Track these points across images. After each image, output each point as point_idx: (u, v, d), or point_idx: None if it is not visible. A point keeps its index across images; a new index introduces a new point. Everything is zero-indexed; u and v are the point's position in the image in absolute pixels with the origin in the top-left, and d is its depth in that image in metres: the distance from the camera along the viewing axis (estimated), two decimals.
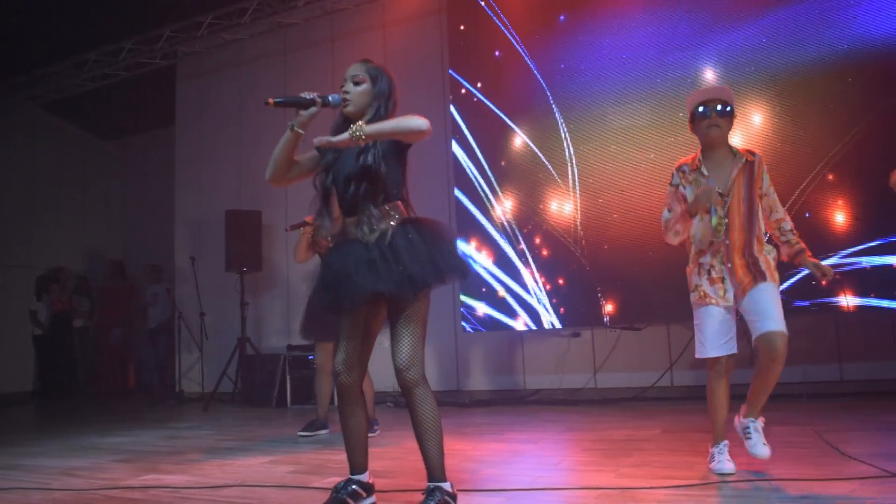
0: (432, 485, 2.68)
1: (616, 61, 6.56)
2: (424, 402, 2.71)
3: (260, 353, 8.41)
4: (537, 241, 6.86)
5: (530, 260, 6.87)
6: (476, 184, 7.20)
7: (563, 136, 6.77)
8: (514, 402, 7.03)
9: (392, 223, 2.74)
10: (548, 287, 6.78)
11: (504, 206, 7.05)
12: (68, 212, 11.77)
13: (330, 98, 2.78)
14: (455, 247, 2.91)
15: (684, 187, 3.45)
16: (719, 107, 3.32)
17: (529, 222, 6.92)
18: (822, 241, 5.54)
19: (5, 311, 10.55)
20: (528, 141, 6.96)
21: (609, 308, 6.52)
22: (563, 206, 6.76)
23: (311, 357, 7.42)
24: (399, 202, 2.80)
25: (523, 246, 6.91)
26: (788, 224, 3.41)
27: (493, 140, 7.17)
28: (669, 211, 3.55)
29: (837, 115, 5.66)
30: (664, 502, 2.83)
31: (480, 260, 7.11)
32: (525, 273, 6.89)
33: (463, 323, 7.23)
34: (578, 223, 6.66)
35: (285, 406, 7.78)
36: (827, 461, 3.37)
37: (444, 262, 2.70)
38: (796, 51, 5.81)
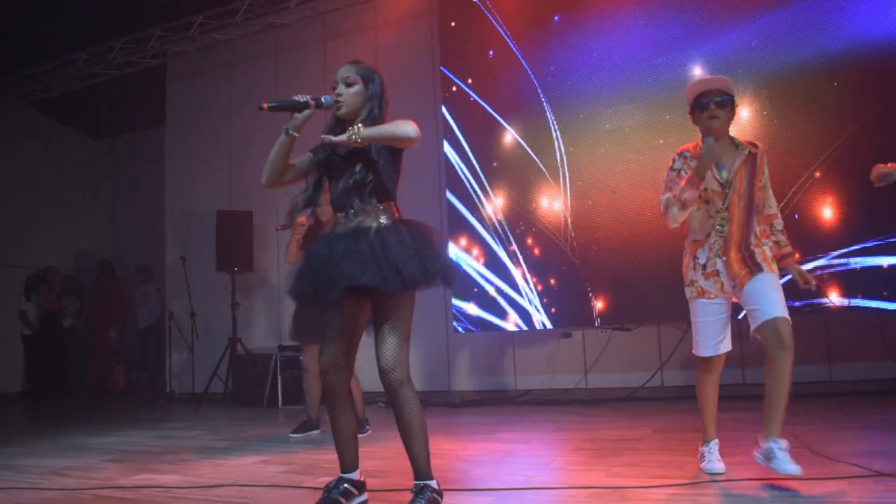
0: (420, 483, 2.72)
1: (608, 62, 6.59)
2: (410, 402, 2.71)
3: (251, 353, 8.39)
4: (529, 241, 6.88)
5: (521, 260, 6.89)
6: (467, 184, 7.22)
7: (554, 136, 6.79)
8: (504, 403, 7.04)
9: (383, 221, 2.75)
10: (539, 287, 6.80)
11: (495, 207, 7.07)
12: (58, 211, 11.70)
13: (323, 100, 2.80)
14: (445, 252, 2.92)
15: (686, 172, 3.31)
16: (718, 97, 3.24)
17: (521, 223, 6.94)
18: (812, 243, 5.59)
19: None
20: (518, 139, 6.98)
21: (600, 307, 6.55)
22: (554, 207, 6.78)
23: (301, 357, 7.41)
24: (392, 203, 2.82)
25: (514, 247, 6.93)
26: (780, 223, 3.36)
27: (484, 140, 7.18)
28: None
29: (828, 118, 5.70)
30: (655, 502, 2.85)
31: (472, 260, 7.12)
32: (516, 273, 6.91)
33: (454, 323, 7.24)
34: (569, 224, 6.69)
35: (276, 406, 7.78)
36: (817, 460, 3.38)
37: (433, 264, 2.71)
38: (787, 53, 5.85)
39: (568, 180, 6.73)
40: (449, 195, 7.33)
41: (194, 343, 8.96)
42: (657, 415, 5.54)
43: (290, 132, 2.79)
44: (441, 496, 2.74)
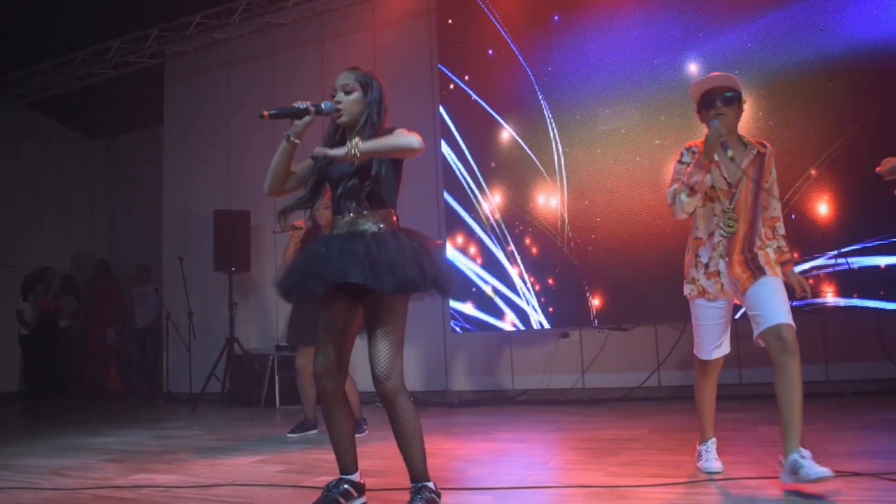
0: (418, 483, 2.72)
1: (607, 62, 6.60)
2: (406, 411, 2.69)
3: (248, 353, 8.39)
4: (526, 241, 6.89)
5: (519, 260, 6.90)
6: (465, 184, 7.22)
7: (552, 136, 6.80)
8: (502, 403, 7.05)
9: (382, 227, 2.75)
10: (537, 287, 6.80)
11: (493, 207, 7.07)
12: (55, 211, 11.70)
13: (322, 106, 2.80)
14: (443, 261, 2.88)
15: None
16: (728, 93, 3.16)
17: (518, 223, 6.95)
18: (810, 242, 5.60)
19: None
20: (516, 137, 6.98)
21: (597, 306, 6.56)
22: (551, 207, 6.79)
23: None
24: (391, 210, 2.83)
25: (512, 247, 6.94)
26: (782, 227, 3.30)
27: (482, 140, 7.19)
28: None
29: (826, 118, 5.72)
30: (652, 500, 2.85)
31: (469, 261, 7.13)
32: (514, 273, 6.92)
33: (452, 323, 7.24)
34: (567, 224, 6.69)
35: (274, 406, 7.78)
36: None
37: (430, 270, 2.68)
38: (784, 54, 5.87)
39: (565, 180, 6.74)
40: (446, 195, 7.33)
41: (192, 343, 8.95)
42: (654, 414, 5.55)
43: (292, 139, 2.79)
44: (439, 496, 2.74)
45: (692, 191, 3.09)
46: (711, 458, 3.32)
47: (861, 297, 5.53)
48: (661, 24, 6.39)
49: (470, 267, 7.11)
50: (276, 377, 7.88)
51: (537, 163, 6.86)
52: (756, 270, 3.09)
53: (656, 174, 6.32)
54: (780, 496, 2.80)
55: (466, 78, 7.32)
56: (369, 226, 2.75)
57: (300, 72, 8.84)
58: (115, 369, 11.17)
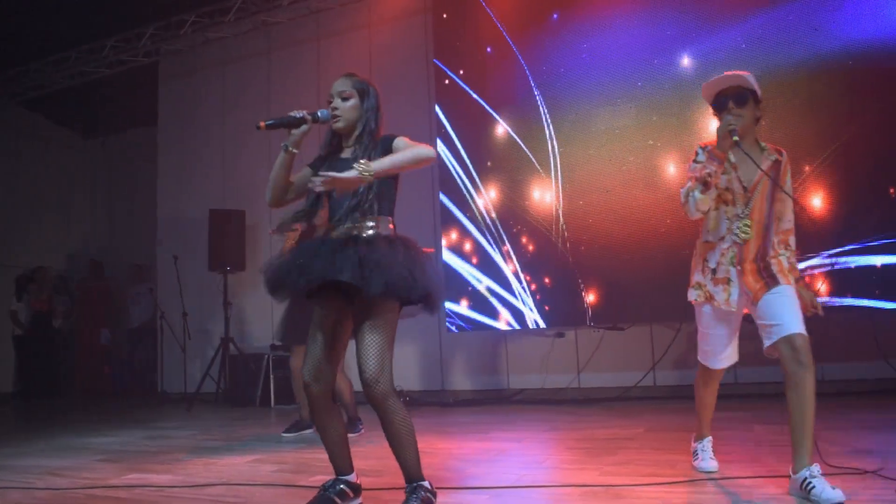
0: (413, 483, 2.71)
1: (604, 62, 6.60)
2: (396, 413, 2.67)
3: (243, 352, 8.37)
4: (523, 240, 6.88)
5: (515, 260, 6.89)
6: (460, 183, 7.21)
7: (547, 134, 6.80)
8: (498, 402, 7.05)
9: (377, 232, 2.74)
10: (532, 286, 6.80)
11: (488, 206, 7.07)
12: (49, 210, 11.66)
13: (319, 114, 2.79)
14: (436, 274, 2.84)
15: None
16: (735, 96, 3.06)
17: (514, 222, 6.94)
18: (808, 242, 5.60)
19: None
20: (512, 133, 6.97)
21: (592, 304, 6.55)
22: (548, 207, 6.79)
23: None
24: (389, 218, 2.82)
25: (508, 247, 6.93)
26: (794, 241, 3.14)
27: (478, 138, 7.18)
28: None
29: (822, 118, 5.72)
30: (648, 499, 2.85)
31: (465, 260, 7.12)
32: (509, 273, 6.91)
33: (448, 323, 7.24)
34: (562, 223, 6.69)
35: (269, 406, 7.77)
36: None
37: (422, 279, 2.65)
38: (781, 54, 5.87)
39: (561, 179, 6.73)
40: (442, 195, 7.31)
41: (186, 343, 8.92)
42: (650, 414, 5.55)
43: (290, 149, 2.77)
44: (434, 495, 2.74)
45: (705, 186, 2.95)
46: (707, 458, 3.31)
47: (857, 296, 5.54)
48: (660, 24, 6.38)
49: (465, 266, 7.10)
50: (271, 377, 7.88)
51: (533, 161, 6.86)
52: (769, 280, 2.97)
53: (651, 174, 6.32)
54: (776, 495, 2.79)
55: (461, 72, 7.30)
56: (365, 232, 2.74)
57: (296, 71, 8.81)
58: (109, 369, 11.14)
